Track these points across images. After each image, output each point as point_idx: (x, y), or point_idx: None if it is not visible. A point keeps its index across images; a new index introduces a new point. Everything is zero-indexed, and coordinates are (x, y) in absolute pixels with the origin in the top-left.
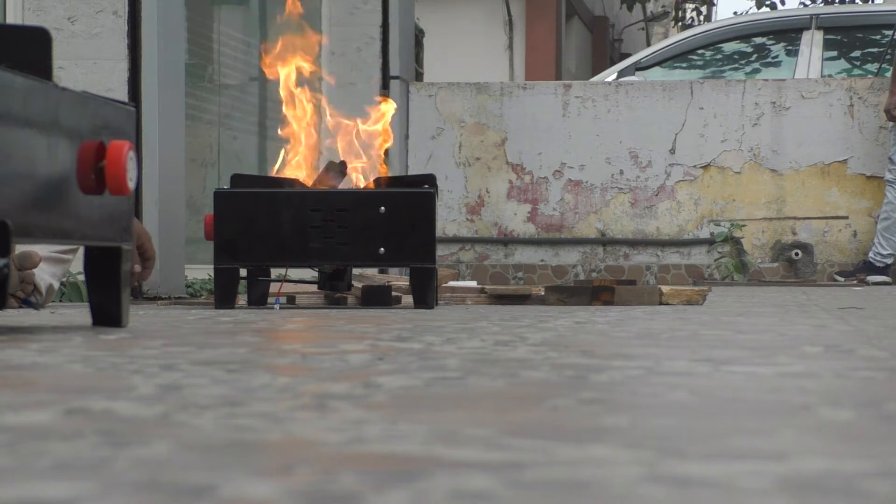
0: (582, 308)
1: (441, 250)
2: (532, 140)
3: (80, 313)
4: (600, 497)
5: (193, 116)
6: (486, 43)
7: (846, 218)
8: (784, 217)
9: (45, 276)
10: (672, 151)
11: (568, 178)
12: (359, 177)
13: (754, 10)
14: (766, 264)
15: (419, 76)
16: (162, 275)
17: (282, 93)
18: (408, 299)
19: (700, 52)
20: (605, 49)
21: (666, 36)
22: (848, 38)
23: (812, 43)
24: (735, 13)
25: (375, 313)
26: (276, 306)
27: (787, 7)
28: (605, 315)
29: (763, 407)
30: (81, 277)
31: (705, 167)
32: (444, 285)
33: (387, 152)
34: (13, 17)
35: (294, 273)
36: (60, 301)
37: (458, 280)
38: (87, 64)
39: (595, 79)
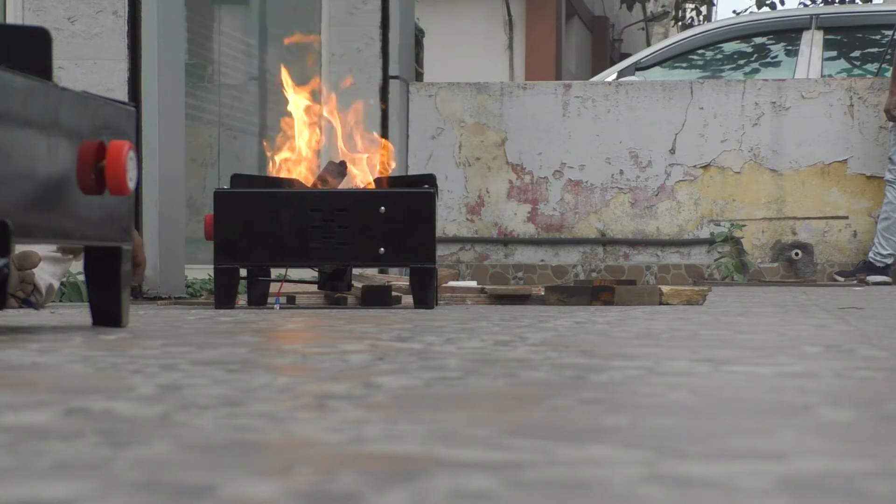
0: (582, 308)
1: (441, 250)
2: (532, 140)
3: (80, 313)
4: (600, 497)
5: (193, 116)
6: (486, 43)
7: (846, 218)
8: (784, 217)
9: (45, 276)
10: (672, 151)
11: (568, 178)
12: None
13: (754, 10)
14: (766, 264)
15: (419, 76)
16: (162, 275)
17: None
18: (408, 299)
19: (700, 52)
20: (605, 49)
21: (666, 36)
22: (848, 38)
23: (812, 43)
24: (735, 13)
25: (375, 313)
26: (276, 306)
27: (787, 7)
28: (605, 315)
29: (763, 407)
30: (81, 277)
31: (705, 167)
32: (444, 285)
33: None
34: (13, 17)
35: (294, 273)
36: (60, 301)
37: (458, 280)
38: (87, 64)
39: (595, 79)
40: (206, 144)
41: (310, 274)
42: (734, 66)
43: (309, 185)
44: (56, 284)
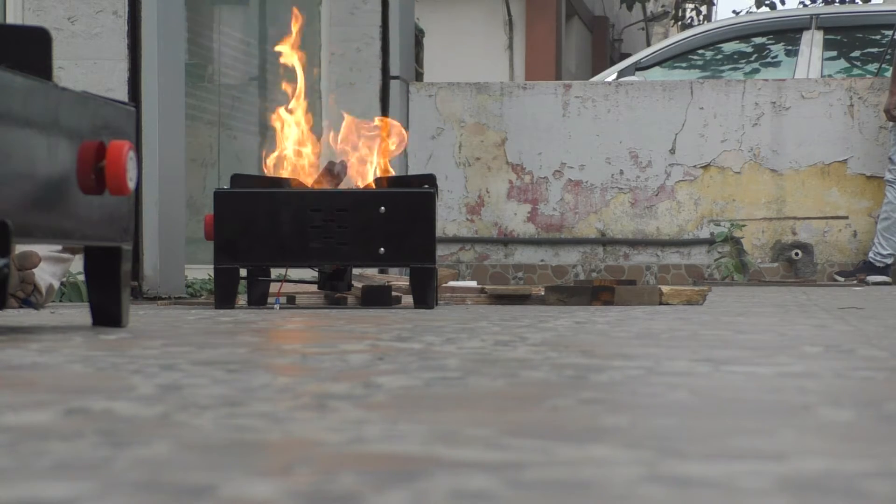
0: (582, 308)
1: (441, 250)
2: (532, 140)
3: (80, 313)
4: (600, 497)
5: (193, 116)
6: (486, 43)
7: (846, 218)
8: (784, 217)
9: (45, 276)
10: (672, 151)
11: (568, 178)
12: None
13: (754, 9)
14: (766, 264)
15: (419, 76)
16: (162, 275)
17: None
18: (408, 299)
19: (700, 52)
20: (605, 49)
21: (666, 36)
22: (848, 38)
23: (812, 43)
24: (735, 13)
25: (375, 313)
26: (276, 306)
27: (786, 7)
28: (605, 315)
29: (763, 407)
30: (81, 277)
31: (705, 167)
32: (444, 285)
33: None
34: (13, 17)
35: (294, 273)
36: (60, 301)
37: (458, 280)
38: (87, 64)
39: (595, 79)
40: (206, 144)
41: (310, 274)
42: (734, 66)
43: (309, 185)
44: (56, 284)
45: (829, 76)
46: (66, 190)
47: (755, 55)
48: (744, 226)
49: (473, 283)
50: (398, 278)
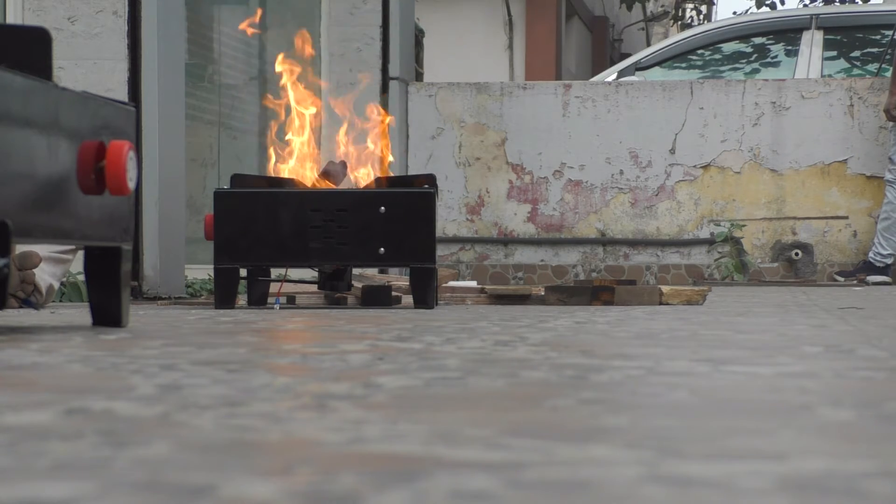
0: (582, 308)
1: (441, 250)
2: (532, 140)
3: (80, 313)
4: (600, 497)
5: (193, 116)
6: (486, 43)
7: (846, 218)
8: (784, 217)
9: (45, 276)
10: (672, 151)
11: (568, 178)
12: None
13: (754, 9)
14: (766, 264)
15: (419, 76)
16: (162, 275)
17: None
18: (408, 299)
19: (700, 52)
20: (605, 49)
21: (666, 36)
22: (848, 38)
23: (812, 43)
24: (735, 13)
25: (375, 313)
26: (276, 306)
27: (786, 7)
28: (605, 315)
29: (763, 407)
30: (81, 277)
31: (705, 167)
32: (444, 285)
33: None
34: (13, 17)
35: (294, 273)
36: (60, 301)
37: (458, 280)
38: (87, 64)
39: (595, 79)
40: (206, 144)
41: (310, 274)
42: (734, 66)
43: (309, 185)
44: (56, 285)
45: (829, 76)
46: (66, 190)
47: (755, 55)
48: (744, 226)
49: (473, 283)
50: (398, 278)
